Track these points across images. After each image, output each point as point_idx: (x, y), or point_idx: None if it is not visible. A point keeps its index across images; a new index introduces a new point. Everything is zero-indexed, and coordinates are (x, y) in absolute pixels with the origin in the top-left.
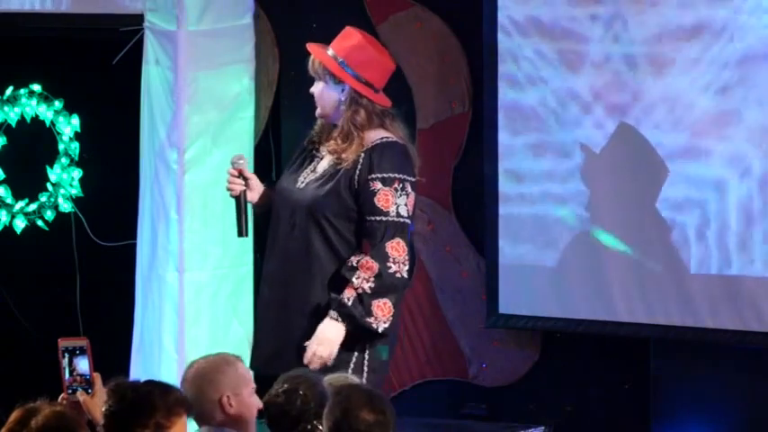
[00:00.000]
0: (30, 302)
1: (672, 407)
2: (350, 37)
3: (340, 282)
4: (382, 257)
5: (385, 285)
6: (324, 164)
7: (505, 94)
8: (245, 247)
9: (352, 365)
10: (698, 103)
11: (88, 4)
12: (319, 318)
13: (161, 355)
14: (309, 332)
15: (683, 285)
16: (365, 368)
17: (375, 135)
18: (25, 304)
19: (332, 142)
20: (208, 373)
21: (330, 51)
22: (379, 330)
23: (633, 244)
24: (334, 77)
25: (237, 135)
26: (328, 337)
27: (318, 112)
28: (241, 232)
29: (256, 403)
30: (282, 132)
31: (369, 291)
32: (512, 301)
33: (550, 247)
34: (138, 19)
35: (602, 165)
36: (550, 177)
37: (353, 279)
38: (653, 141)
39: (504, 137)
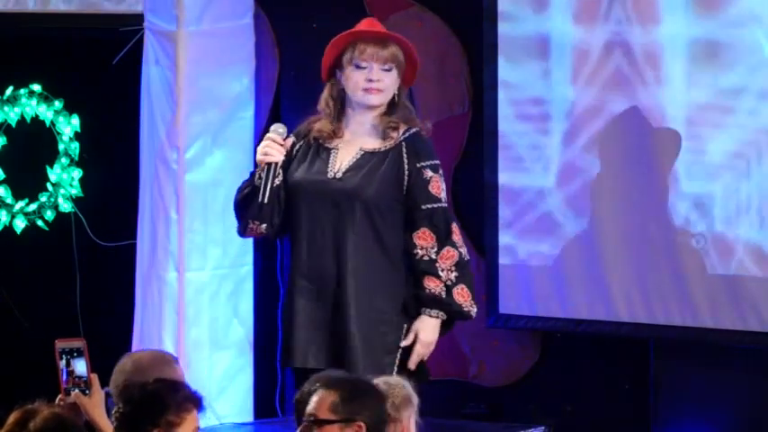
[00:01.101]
0: (30, 302)
1: (672, 407)
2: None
3: (389, 274)
4: (455, 245)
5: (462, 271)
6: (347, 155)
7: (505, 93)
8: (245, 248)
9: (396, 364)
10: (701, 102)
11: (88, 3)
12: (371, 310)
13: None
14: (362, 324)
15: (683, 285)
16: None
17: (403, 125)
18: (25, 304)
19: (382, 126)
20: (146, 370)
21: None
22: (473, 314)
23: (634, 244)
24: (402, 69)
25: (237, 135)
26: (430, 340)
27: (380, 99)
28: (264, 197)
29: None
30: None
31: (454, 280)
32: (512, 301)
33: (551, 248)
34: (138, 19)
35: (603, 164)
36: (551, 176)
37: (439, 272)
38: (654, 141)
39: (504, 136)
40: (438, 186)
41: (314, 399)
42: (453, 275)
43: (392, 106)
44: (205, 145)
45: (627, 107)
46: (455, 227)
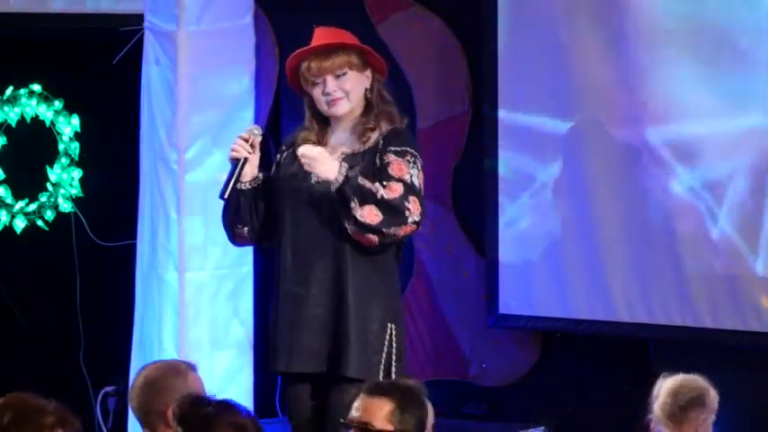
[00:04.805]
0: (30, 302)
1: None
2: (339, 31)
3: (372, 269)
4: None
5: (393, 210)
6: None
7: (505, 93)
8: (245, 248)
9: (382, 366)
10: (696, 104)
11: (88, 3)
12: (364, 310)
13: (161, 355)
14: (359, 321)
15: (683, 285)
16: (393, 360)
17: (385, 125)
18: (25, 304)
19: (359, 128)
20: (155, 382)
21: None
22: (379, 196)
23: (634, 243)
24: (362, 63)
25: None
26: (324, 167)
27: (345, 107)
28: (224, 194)
29: None
30: (282, 132)
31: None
32: (512, 301)
33: (550, 247)
34: (138, 19)
35: (603, 164)
36: (550, 177)
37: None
38: (654, 141)
39: (504, 137)
40: (400, 168)
41: (363, 406)
42: (384, 194)
43: (369, 104)
44: (205, 145)
45: (629, 107)
46: (414, 205)
